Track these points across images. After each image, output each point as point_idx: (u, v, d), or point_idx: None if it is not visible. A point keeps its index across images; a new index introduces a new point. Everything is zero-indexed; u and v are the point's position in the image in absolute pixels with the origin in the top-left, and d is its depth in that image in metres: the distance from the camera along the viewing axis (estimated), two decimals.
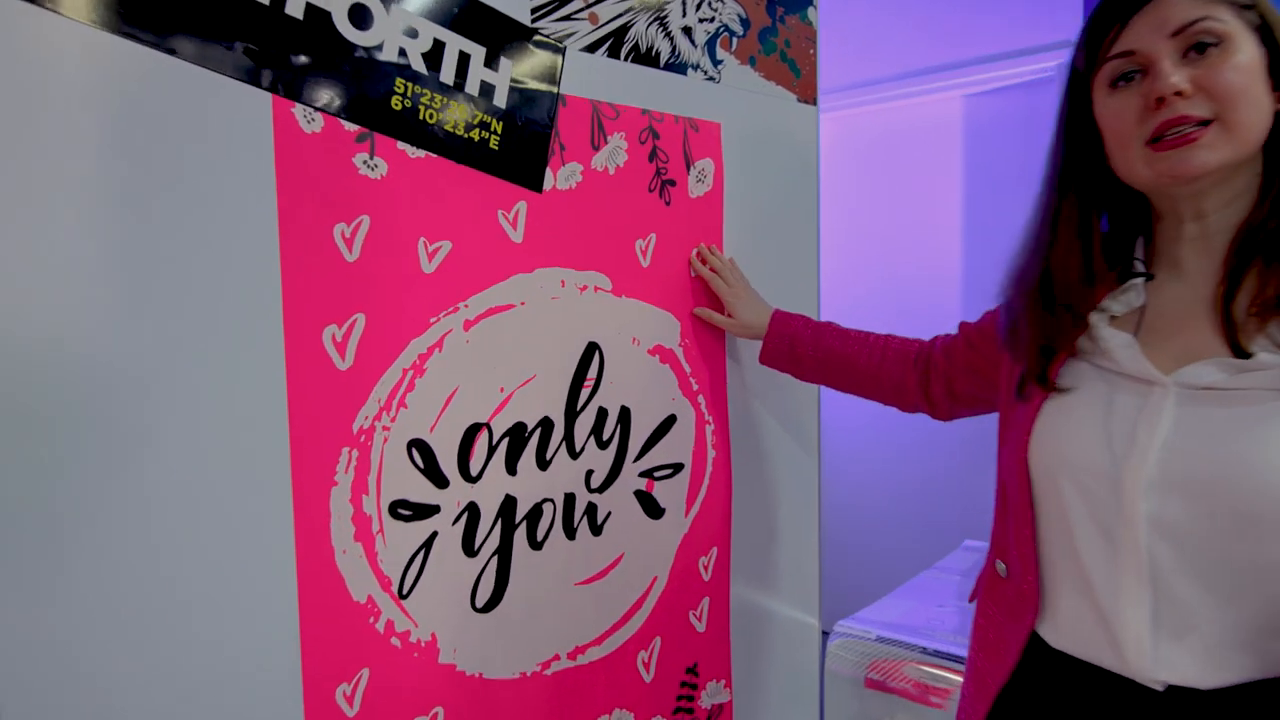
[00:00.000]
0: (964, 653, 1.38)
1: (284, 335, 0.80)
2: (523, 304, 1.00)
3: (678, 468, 1.19)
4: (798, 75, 1.31)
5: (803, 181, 1.34)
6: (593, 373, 1.07)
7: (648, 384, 1.14)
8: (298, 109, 0.80)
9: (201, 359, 0.75)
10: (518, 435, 1.00)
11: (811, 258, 1.37)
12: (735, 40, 1.21)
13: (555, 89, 1.00)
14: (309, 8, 0.79)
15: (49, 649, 0.68)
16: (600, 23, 1.05)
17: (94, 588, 0.70)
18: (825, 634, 1.46)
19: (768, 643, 1.34)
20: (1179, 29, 0.68)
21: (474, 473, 0.96)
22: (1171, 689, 0.70)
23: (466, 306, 0.94)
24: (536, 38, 0.98)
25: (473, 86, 0.93)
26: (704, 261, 1.19)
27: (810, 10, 1.33)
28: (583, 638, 1.09)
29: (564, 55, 1.01)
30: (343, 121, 0.83)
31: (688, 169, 1.16)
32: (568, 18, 1.01)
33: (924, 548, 2.73)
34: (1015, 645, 0.82)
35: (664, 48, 1.12)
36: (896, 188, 2.79)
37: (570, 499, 1.06)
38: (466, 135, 0.93)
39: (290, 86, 0.79)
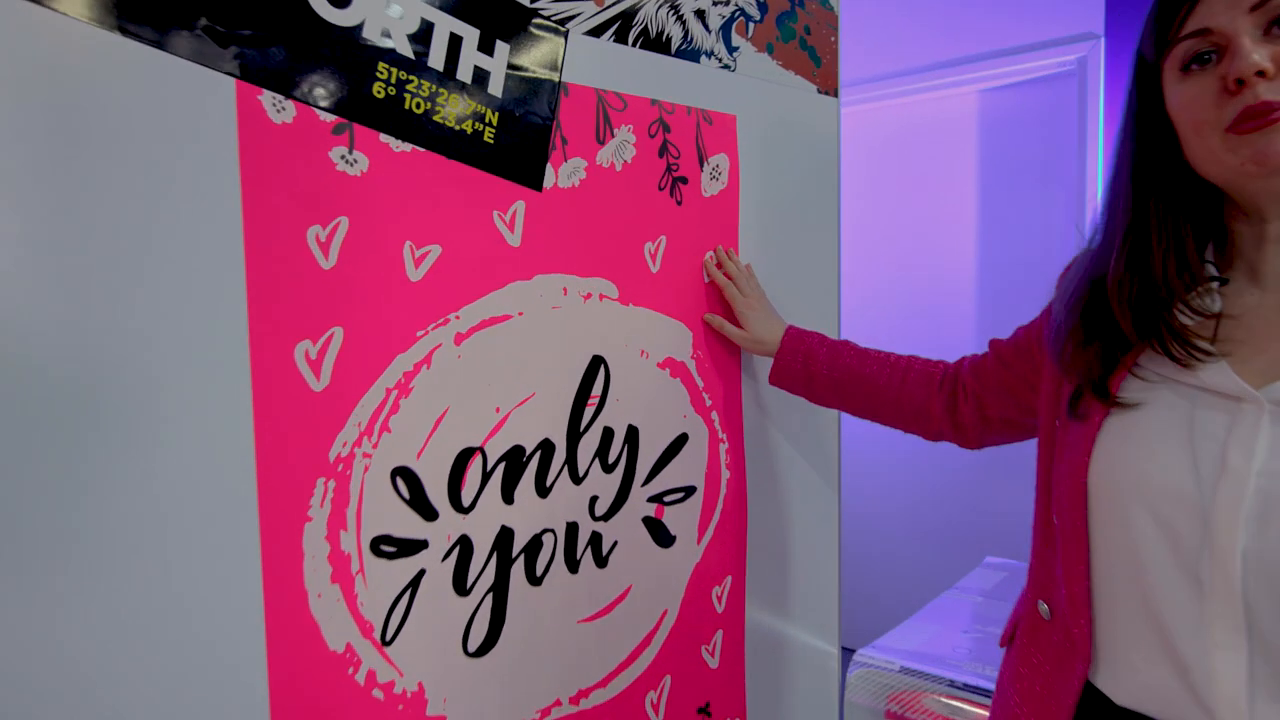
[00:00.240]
0: (989, 685, 1.29)
1: (249, 353, 0.71)
2: (520, 314, 0.90)
3: (689, 491, 1.09)
4: (818, 64, 1.22)
5: (823, 180, 1.25)
6: (597, 389, 0.98)
7: (657, 400, 1.05)
8: (265, 97, 0.70)
9: (153, 381, 0.65)
10: (515, 460, 0.91)
11: (832, 262, 1.28)
12: (752, 25, 1.12)
13: (557, 77, 0.91)
14: None
15: None
16: (606, 4, 0.95)
17: (34, 646, 0.60)
18: (844, 650, 1.37)
19: (785, 675, 1.25)
20: (1260, 1, 0.60)
21: (466, 503, 0.87)
22: None
23: (458, 318, 0.85)
24: (536, 20, 0.88)
25: (465, 73, 0.83)
26: (719, 266, 1.10)
27: None
28: (586, 680, 0.99)
29: (566, 39, 0.91)
30: (317, 111, 0.74)
31: (701, 165, 1.07)
32: None
33: (944, 561, 2.65)
34: (1068, 699, 0.74)
35: (675, 33, 1.03)
36: (910, 185, 2.71)
37: (573, 529, 0.97)
38: (458, 127, 0.83)
39: (257, 71, 0.70)
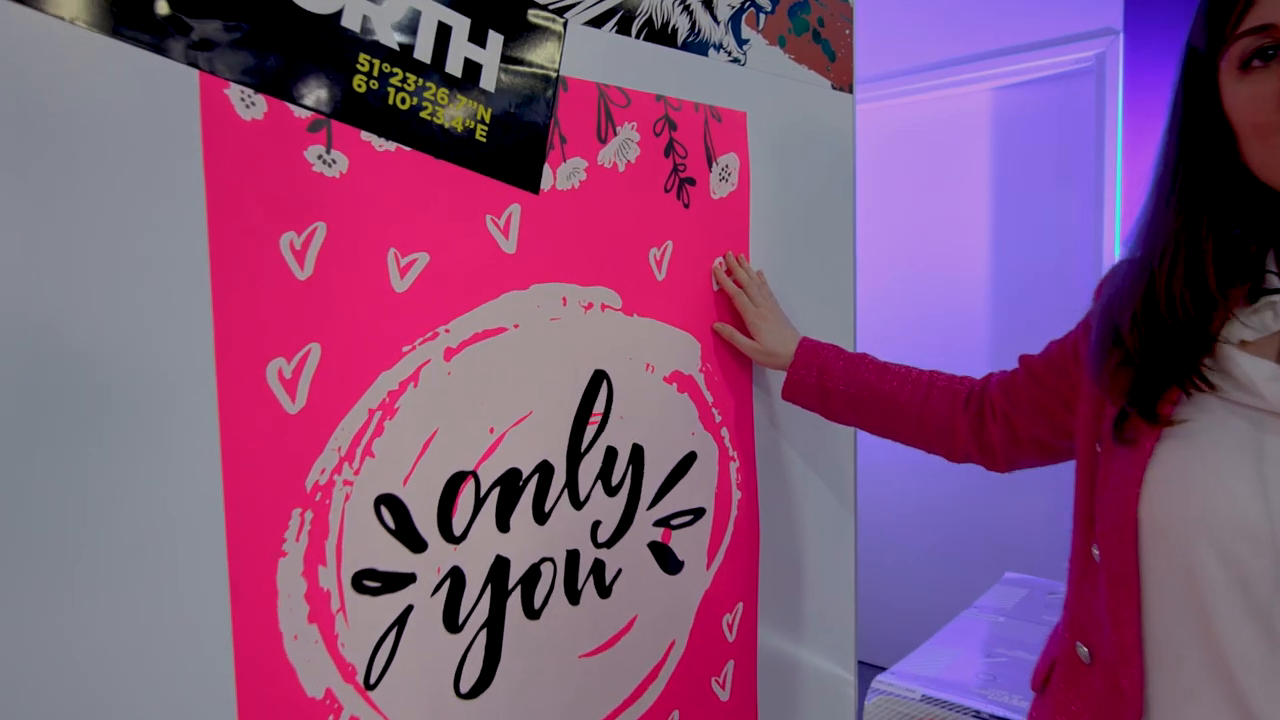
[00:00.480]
0: (1016, 716, 1.22)
1: (215, 372, 0.64)
2: (516, 327, 0.83)
3: (698, 513, 1.02)
4: (832, 59, 1.15)
5: (838, 182, 1.18)
6: (600, 406, 0.91)
7: (664, 417, 0.98)
8: (233, 90, 0.64)
9: (106, 405, 0.59)
10: (510, 484, 0.84)
11: (847, 270, 1.21)
12: (763, 17, 1.05)
13: (555, 70, 0.84)
14: None
15: None
16: None
17: None
18: (862, 664, 1.30)
19: (799, 706, 1.18)
20: None
21: (457, 532, 0.80)
22: None
23: (447, 331, 0.78)
24: (533, 9, 0.82)
25: (455, 66, 0.76)
26: (729, 274, 1.03)
27: None
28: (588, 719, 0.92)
29: (565, 30, 0.85)
30: (291, 106, 0.67)
31: (709, 165, 1.00)
32: None
33: (961, 576, 2.58)
34: None
35: (682, 24, 0.96)
36: (920, 186, 2.64)
37: (573, 557, 0.90)
38: (447, 125, 0.77)
39: (223, 61, 0.63)
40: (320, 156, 0.69)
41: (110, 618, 0.60)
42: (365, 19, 0.70)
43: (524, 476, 0.85)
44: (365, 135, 0.71)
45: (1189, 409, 0.65)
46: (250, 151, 0.65)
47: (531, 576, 0.86)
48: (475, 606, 0.82)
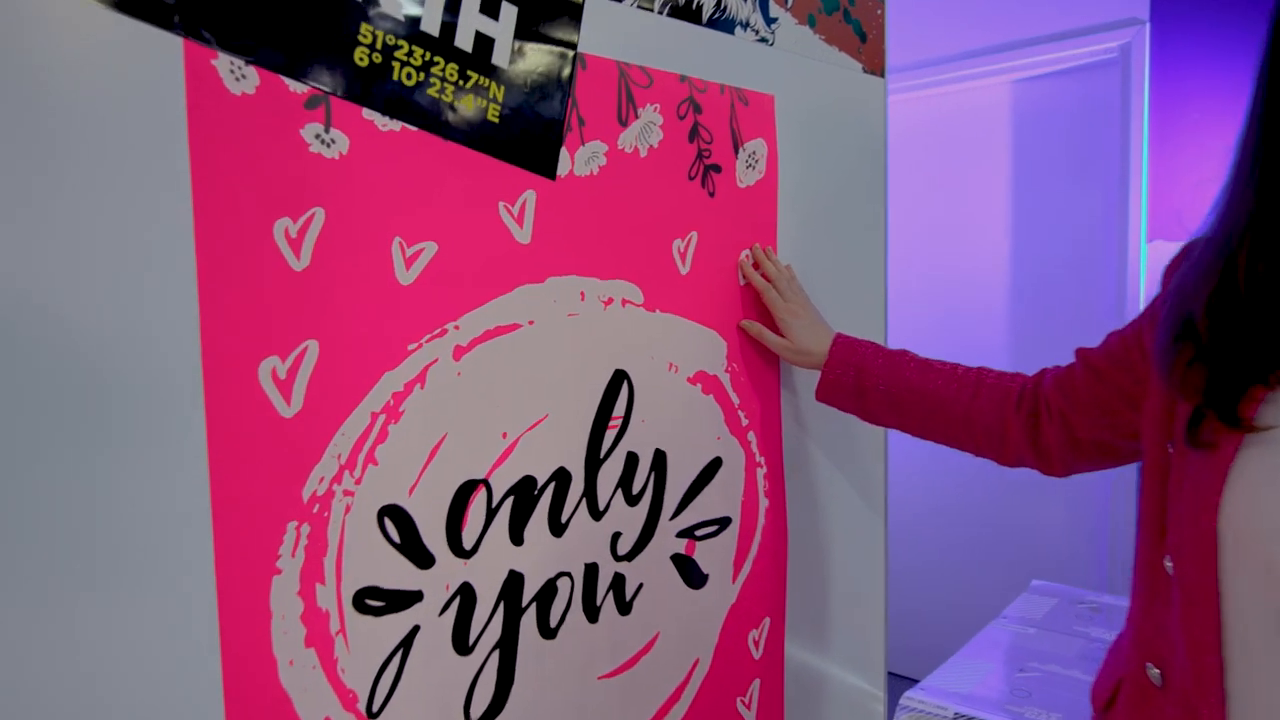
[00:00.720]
0: None
1: (202, 372, 0.58)
2: (531, 323, 0.77)
3: (724, 523, 0.96)
4: (863, 40, 1.09)
5: (869, 170, 1.12)
6: (620, 409, 0.85)
7: (688, 420, 0.92)
8: (221, 61, 0.58)
9: (81, 408, 0.53)
10: (525, 493, 0.78)
11: (879, 263, 1.15)
12: None
13: (573, 47, 0.78)
14: None
15: None
16: None
17: None
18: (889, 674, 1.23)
19: None
20: None
21: (468, 545, 0.74)
22: None
23: (457, 328, 0.72)
24: None
25: (465, 39, 0.70)
26: (756, 267, 0.97)
27: None
28: None
29: (584, 3, 0.78)
30: (286, 80, 0.61)
31: (736, 151, 0.94)
32: None
33: (985, 581, 2.52)
34: None
35: (708, 0, 0.90)
36: (939, 180, 2.58)
37: (592, 571, 0.84)
38: (457, 103, 0.70)
39: (211, 28, 0.57)
40: (318, 136, 0.63)
41: (85, 643, 0.54)
42: None
43: (539, 485, 0.79)
44: (367, 113, 0.65)
45: (1275, 411, 0.59)
46: (240, 129, 0.59)
47: (547, 593, 0.80)
48: (487, 626, 0.76)
